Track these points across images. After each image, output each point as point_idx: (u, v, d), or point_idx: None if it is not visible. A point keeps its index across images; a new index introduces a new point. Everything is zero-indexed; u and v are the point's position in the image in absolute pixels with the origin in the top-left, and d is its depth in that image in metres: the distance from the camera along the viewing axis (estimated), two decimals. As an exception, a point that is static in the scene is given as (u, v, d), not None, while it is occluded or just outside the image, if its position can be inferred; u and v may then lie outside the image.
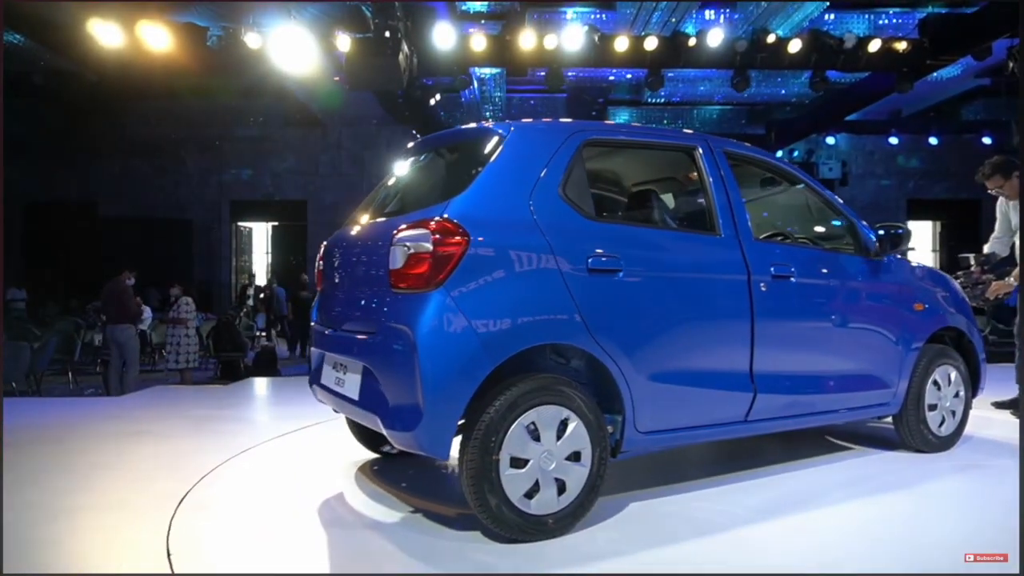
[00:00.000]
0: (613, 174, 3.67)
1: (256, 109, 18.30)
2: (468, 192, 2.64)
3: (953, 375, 3.95)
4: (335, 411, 3.60)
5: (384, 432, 2.62)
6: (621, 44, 10.49)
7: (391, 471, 3.58)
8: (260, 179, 20.06)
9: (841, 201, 3.75)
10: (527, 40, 10.51)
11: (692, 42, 10.41)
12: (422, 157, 3.37)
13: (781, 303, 3.23)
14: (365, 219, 3.23)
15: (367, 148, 20.14)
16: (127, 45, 10.09)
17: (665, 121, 18.01)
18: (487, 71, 12.60)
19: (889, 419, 3.93)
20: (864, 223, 3.72)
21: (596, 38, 10.46)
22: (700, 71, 13.07)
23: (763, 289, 3.16)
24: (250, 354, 11.36)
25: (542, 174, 2.76)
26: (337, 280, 3.11)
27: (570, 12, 11.66)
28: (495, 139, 2.82)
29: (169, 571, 2.34)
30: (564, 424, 2.64)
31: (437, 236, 2.50)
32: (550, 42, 10.48)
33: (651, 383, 2.84)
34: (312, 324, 3.46)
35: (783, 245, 3.40)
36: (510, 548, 2.56)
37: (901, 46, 10.54)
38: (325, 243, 3.52)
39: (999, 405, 5.05)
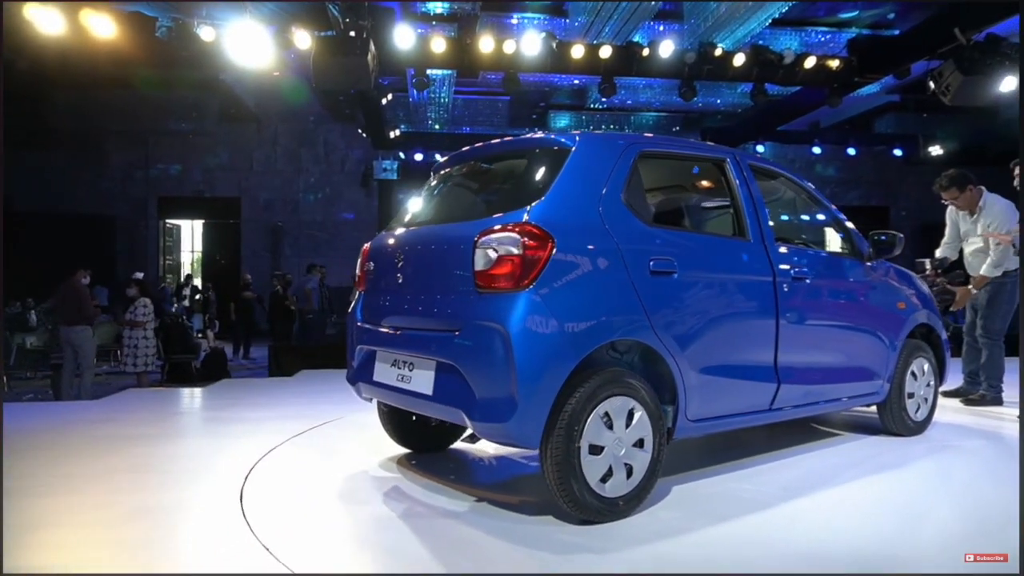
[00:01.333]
0: (654, 182, 3.91)
1: (189, 103, 17.64)
2: (547, 199, 2.83)
3: (926, 367, 4.42)
4: (381, 406, 3.72)
5: (469, 424, 2.76)
6: (577, 51, 10.81)
7: (431, 465, 3.71)
8: (190, 175, 19.37)
9: (837, 209, 4.15)
10: (486, 44, 10.68)
11: (645, 52, 10.84)
12: (475, 164, 3.51)
13: (799, 302, 3.57)
14: (422, 223, 3.36)
15: (304, 144, 19.78)
16: (67, 33, 9.63)
17: (603, 127, 18.55)
18: (438, 72, 12.67)
19: (863, 407, 4.36)
20: (857, 230, 4.13)
21: (554, 45, 10.74)
22: (640, 79, 13.62)
23: (785, 289, 3.49)
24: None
25: (607, 183, 2.98)
26: (399, 280, 3.20)
27: (515, 17, 11.92)
28: (562, 149, 3.01)
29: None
30: (631, 413, 2.86)
31: (526, 240, 2.68)
32: (509, 47, 10.69)
33: (700, 375, 3.10)
34: (357, 323, 3.54)
35: (798, 248, 3.74)
36: (585, 529, 2.76)
37: (834, 64, 11.34)
38: (370, 245, 3.61)
39: (946, 394, 5.60)
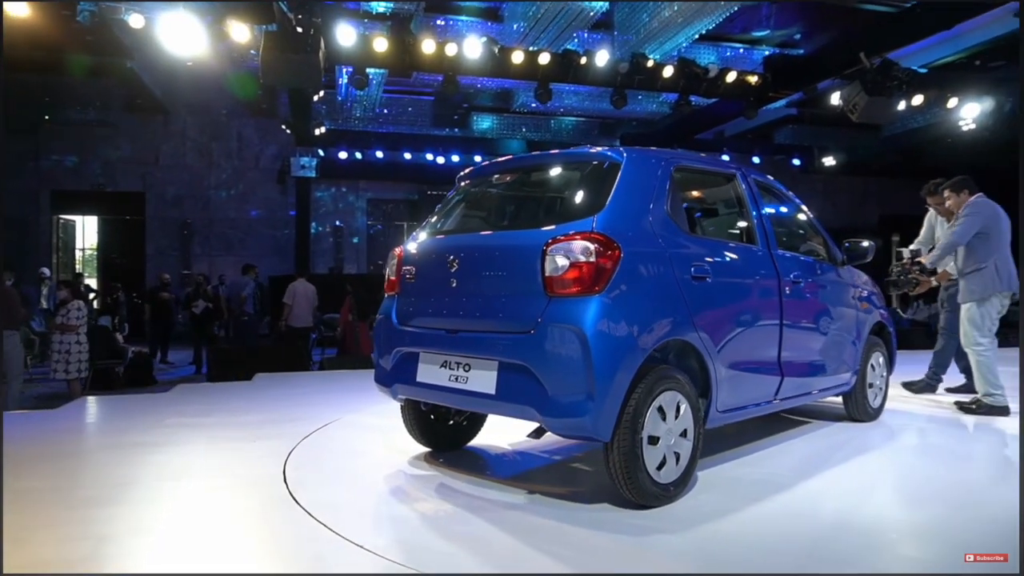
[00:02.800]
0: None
1: (90, 90, 16.52)
2: (608, 209, 3.05)
3: (881, 359, 4.98)
4: (407, 408, 3.83)
5: (540, 420, 2.94)
6: (517, 57, 11.06)
7: (459, 462, 3.85)
8: (88, 167, 18.12)
9: (815, 217, 4.61)
10: (428, 46, 10.75)
11: (583, 60, 11.24)
12: (520, 175, 3.68)
13: (796, 303, 3.98)
14: (473, 229, 3.50)
15: (215, 139, 18.96)
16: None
17: (523, 129, 18.92)
18: (373, 70, 12.57)
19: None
20: (831, 238, 4.61)
21: (496, 50, 10.94)
22: (564, 85, 14.04)
23: (787, 292, 3.88)
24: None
25: (654, 195, 3.24)
26: (453, 285, 3.31)
27: (452, 20, 12.05)
28: (613, 164, 3.24)
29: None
30: (678, 407, 3.14)
31: (597, 247, 2.89)
32: (451, 49, 10.80)
33: (728, 370, 3.43)
34: (393, 326, 3.62)
35: (792, 254, 4.15)
36: (645, 513, 3.01)
37: (752, 79, 12.19)
38: (405, 249, 3.70)
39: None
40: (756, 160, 18.84)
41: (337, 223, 20.14)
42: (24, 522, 2.85)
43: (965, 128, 13.74)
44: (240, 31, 9.76)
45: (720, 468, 3.70)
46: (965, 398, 5.41)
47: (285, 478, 3.55)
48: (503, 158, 3.69)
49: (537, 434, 3.19)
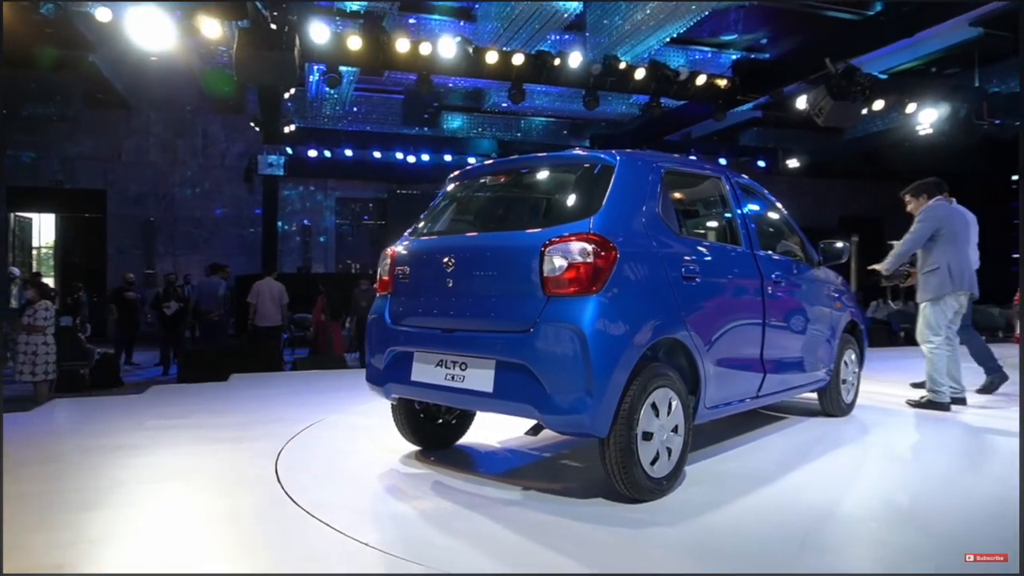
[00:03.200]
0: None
1: (50, 84, 16.07)
2: (604, 211, 3.12)
3: (853, 356, 5.16)
4: (398, 407, 3.86)
5: (538, 418, 3.00)
6: (491, 57, 11.10)
7: (450, 460, 3.89)
8: (46, 164, 17.63)
9: (792, 219, 4.76)
10: (403, 45, 10.72)
11: (556, 62, 11.33)
12: (514, 176, 3.73)
13: (778, 302, 4.10)
14: (469, 230, 3.54)
15: (180, 135, 18.61)
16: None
17: (493, 129, 18.97)
18: (346, 69, 12.49)
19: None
20: (808, 239, 4.76)
21: (470, 50, 10.97)
22: (535, 85, 14.12)
23: (769, 291, 4.01)
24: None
25: (646, 197, 3.33)
26: (449, 285, 3.35)
27: (426, 19, 12.05)
28: (606, 166, 3.31)
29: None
30: (670, 403, 3.23)
31: (596, 248, 2.96)
32: (425, 49, 10.79)
33: (715, 367, 3.53)
34: (386, 326, 3.64)
35: (773, 255, 4.27)
36: (639, 507, 3.09)
37: (722, 83, 12.42)
38: (397, 250, 3.72)
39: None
40: (723, 161, 19.17)
41: (305, 222, 19.95)
42: (16, 527, 2.80)
43: (922, 133, 14.19)
44: (211, 27, 9.63)
45: (705, 463, 3.80)
46: (916, 394, 5.59)
47: (279, 478, 3.55)
48: (495, 160, 3.74)
49: (535, 431, 3.24)
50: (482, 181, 3.83)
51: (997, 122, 14.17)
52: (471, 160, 19.98)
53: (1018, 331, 7.58)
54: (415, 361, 3.49)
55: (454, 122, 18.56)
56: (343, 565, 2.55)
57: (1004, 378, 5.93)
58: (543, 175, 3.68)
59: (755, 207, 4.34)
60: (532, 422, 3.16)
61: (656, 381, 3.13)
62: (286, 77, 8.45)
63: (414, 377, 3.47)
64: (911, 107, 13.43)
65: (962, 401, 5.39)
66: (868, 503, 3.33)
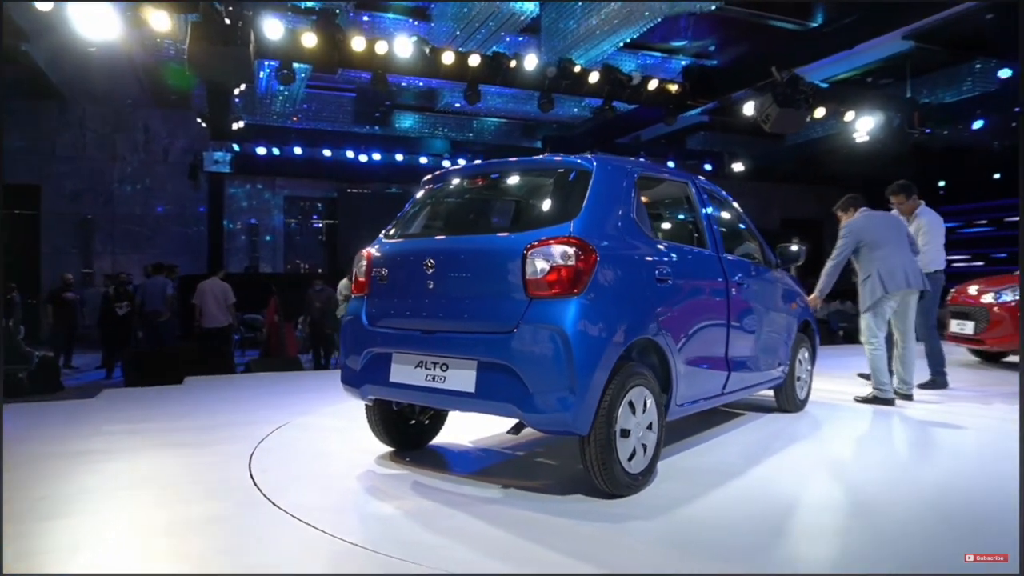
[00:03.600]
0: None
1: (-23, 74, 15.27)
2: (583, 215, 3.21)
3: (806, 354, 5.40)
4: (373, 409, 3.87)
5: (521, 417, 3.06)
6: (448, 58, 11.12)
7: (426, 460, 3.93)
8: (-26, 157, 16.75)
9: (752, 223, 4.95)
10: (358, 43, 10.64)
11: (512, 64, 11.42)
12: (492, 179, 3.77)
13: (741, 303, 4.27)
14: (449, 232, 3.58)
15: (119, 130, 17.95)
16: None
17: (445, 129, 18.95)
18: (299, 66, 12.29)
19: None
20: (766, 242, 4.97)
21: (427, 50, 10.96)
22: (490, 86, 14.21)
23: (733, 292, 4.17)
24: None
25: (622, 202, 3.43)
26: (429, 286, 3.37)
27: (380, 17, 11.98)
28: (583, 171, 3.40)
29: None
30: (645, 401, 3.34)
31: (577, 251, 3.04)
32: (381, 47, 10.73)
33: (686, 366, 3.66)
34: (363, 327, 3.65)
35: (736, 257, 4.44)
36: (617, 502, 3.19)
37: (673, 88, 12.74)
38: (373, 251, 3.73)
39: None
40: (671, 164, 19.60)
41: (252, 221, 19.52)
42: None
43: (859, 140, 14.82)
44: (160, 20, 9.36)
45: (673, 459, 3.93)
46: (865, 388, 5.89)
47: (255, 481, 3.52)
48: (473, 163, 3.79)
49: (516, 430, 3.31)
50: (459, 184, 3.87)
51: (927, 131, 14.94)
52: (423, 160, 19.94)
53: (951, 330, 8.00)
54: (393, 362, 3.51)
55: (406, 121, 18.45)
56: (334, 566, 2.56)
57: (944, 386, 6.28)
58: (521, 179, 3.75)
59: (719, 211, 4.51)
60: (513, 421, 3.22)
61: (632, 380, 3.23)
62: (241, 73, 8.30)
63: (393, 378, 3.49)
64: (849, 115, 14.01)
65: (909, 397, 5.68)
66: (830, 493, 3.51)
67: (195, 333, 10.62)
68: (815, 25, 12.52)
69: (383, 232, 3.91)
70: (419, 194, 4.00)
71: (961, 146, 18.27)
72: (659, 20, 11.35)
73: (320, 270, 20.23)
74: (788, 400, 5.18)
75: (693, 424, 4.70)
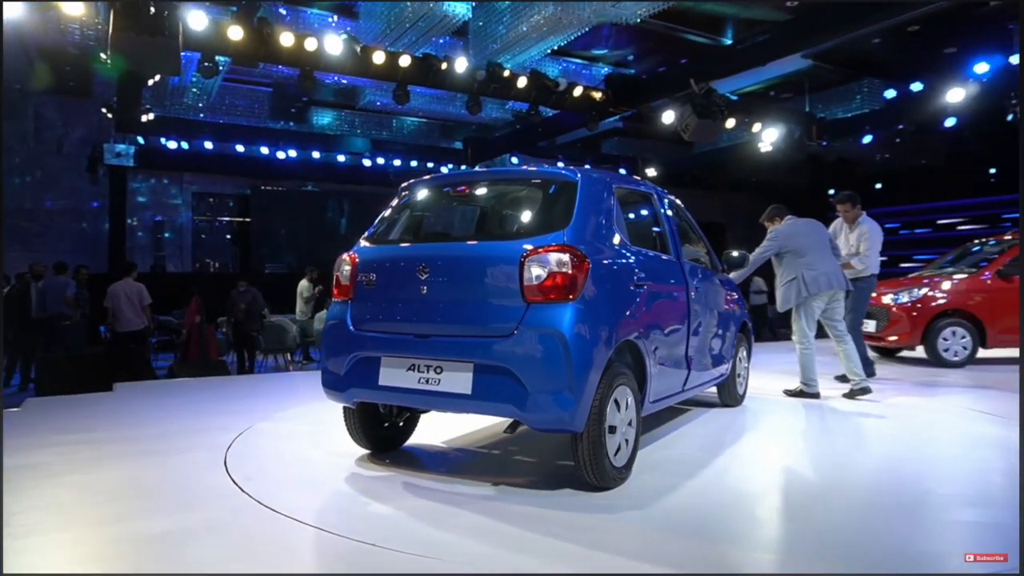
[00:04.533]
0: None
1: None
2: (573, 224, 3.39)
3: (744, 352, 5.81)
4: (352, 413, 3.91)
5: (519, 416, 3.21)
6: (378, 57, 11.05)
7: (405, 462, 4.00)
8: None
9: (701, 230, 5.30)
10: (287, 39, 10.41)
11: (444, 66, 11.48)
12: (481, 187, 3.88)
13: (698, 306, 4.58)
14: (441, 238, 3.69)
15: (6, 118, 16.58)
16: None
17: (362, 128, 18.69)
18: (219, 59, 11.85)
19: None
20: (713, 248, 5.32)
21: (358, 48, 10.84)
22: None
23: (692, 295, 4.47)
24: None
25: (604, 212, 3.63)
26: (423, 291, 3.44)
27: (303, 11, 11.75)
28: (570, 182, 3.58)
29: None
30: (627, 399, 3.56)
31: (572, 258, 3.22)
32: (310, 44, 10.54)
33: (658, 365, 3.92)
34: (348, 331, 3.68)
35: (691, 263, 4.74)
36: (606, 494, 3.39)
37: (597, 95, 13.16)
38: (359, 256, 3.76)
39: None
40: (587, 166, 20.14)
41: (157, 218, 18.58)
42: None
43: (764, 150, 15.82)
44: (73, 4, 8.84)
45: (642, 453, 4.17)
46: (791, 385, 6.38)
47: (241, 488, 3.48)
48: (456, 172, 3.92)
49: (512, 429, 3.44)
50: (442, 192, 3.96)
51: (823, 143, 16.16)
52: (340, 158, 19.61)
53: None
54: (383, 366, 3.57)
55: (323, 118, 18.08)
56: (355, 565, 2.62)
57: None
58: (507, 189, 3.89)
59: (677, 219, 4.80)
60: (508, 421, 3.36)
61: (618, 379, 3.44)
62: (169, 64, 7.95)
63: (383, 382, 3.55)
64: (757, 126, 14.92)
65: (866, 391, 6.00)
66: (787, 478, 3.86)
67: (107, 337, 10.06)
68: (727, 42, 13.32)
69: (364, 237, 3.94)
70: (396, 201, 4.06)
71: (850, 158, 19.85)
72: (587, 29, 11.75)
73: (231, 269, 19.51)
74: (730, 395, 5.56)
75: (652, 421, 4.98)
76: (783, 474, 3.97)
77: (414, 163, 19.88)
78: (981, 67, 12.85)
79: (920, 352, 8.29)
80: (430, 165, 20.14)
